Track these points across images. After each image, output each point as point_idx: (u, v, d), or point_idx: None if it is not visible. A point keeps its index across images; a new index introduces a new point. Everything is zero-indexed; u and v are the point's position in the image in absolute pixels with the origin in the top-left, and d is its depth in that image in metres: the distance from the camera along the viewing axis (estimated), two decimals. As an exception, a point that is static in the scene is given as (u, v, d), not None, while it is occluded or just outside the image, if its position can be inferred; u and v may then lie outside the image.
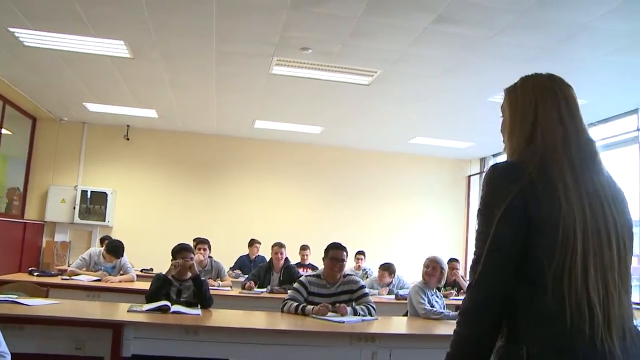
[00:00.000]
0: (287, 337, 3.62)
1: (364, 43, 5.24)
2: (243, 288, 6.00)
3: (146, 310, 3.74)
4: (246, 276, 6.68)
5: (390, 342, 3.60)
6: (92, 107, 8.47)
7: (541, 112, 1.48)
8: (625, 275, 1.35)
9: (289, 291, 4.57)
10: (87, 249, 6.43)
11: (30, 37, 5.54)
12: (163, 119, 9.05)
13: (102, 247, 6.27)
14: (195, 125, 9.51)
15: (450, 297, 6.37)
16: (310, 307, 4.11)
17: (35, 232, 9.33)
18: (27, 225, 9.08)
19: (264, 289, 6.02)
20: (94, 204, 9.39)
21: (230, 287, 6.12)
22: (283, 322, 3.96)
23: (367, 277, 7.43)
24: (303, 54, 5.63)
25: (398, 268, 7.06)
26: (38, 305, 3.68)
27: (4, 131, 8.30)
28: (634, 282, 3.82)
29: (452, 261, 6.99)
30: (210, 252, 6.29)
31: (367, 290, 4.52)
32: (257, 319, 4.16)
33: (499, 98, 6.65)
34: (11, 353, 2.42)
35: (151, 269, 7.25)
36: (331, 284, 4.37)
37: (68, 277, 5.72)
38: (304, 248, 8.05)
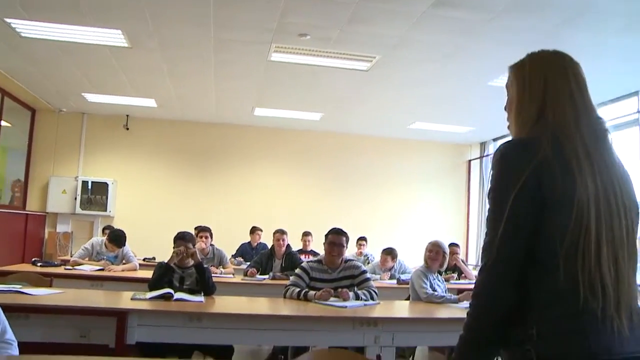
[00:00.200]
0: (290, 322, 3.65)
1: (363, 28, 5.21)
2: (245, 275, 6.03)
3: (149, 298, 3.76)
4: (248, 263, 6.71)
5: (393, 326, 3.62)
6: (91, 97, 8.45)
7: (551, 88, 1.44)
8: (633, 254, 1.34)
9: (291, 277, 4.59)
10: (89, 239, 6.44)
11: (26, 27, 5.51)
12: (162, 108, 9.03)
13: (104, 236, 6.29)
14: (195, 113, 9.50)
15: (452, 281, 6.40)
16: (312, 292, 4.12)
17: (37, 223, 9.36)
18: (28, 217, 9.12)
19: (266, 276, 6.04)
20: (95, 194, 9.42)
21: (233, 274, 6.15)
22: (286, 308, 3.98)
23: (368, 263, 7.46)
24: (301, 40, 5.61)
25: (399, 253, 7.09)
26: (42, 294, 3.70)
27: (3, 123, 8.29)
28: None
29: (453, 246, 7.01)
30: (212, 240, 6.31)
31: (368, 275, 4.55)
32: (260, 305, 4.18)
33: (499, 82, 6.63)
34: (17, 341, 2.45)
35: (153, 258, 7.27)
36: (333, 269, 4.39)
37: (71, 267, 5.74)
38: (306, 234, 8.07)
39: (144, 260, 7.12)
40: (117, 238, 6.01)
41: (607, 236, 1.28)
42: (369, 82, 6.98)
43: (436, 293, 4.45)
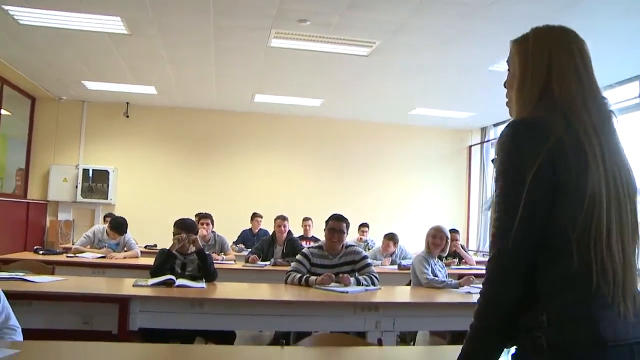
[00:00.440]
0: (291, 307, 3.67)
1: (363, 14, 5.18)
2: (247, 261, 6.05)
3: (151, 285, 3.78)
4: (249, 250, 6.74)
5: (394, 311, 3.64)
6: (91, 85, 8.43)
7: (556, 62, 1.39)
8: (635, 239, 1.33)
9: (292, 263, 4.60)
10: (91, 227, 6.47)
11: (25, 15, 5.48)
12: (162, 95, 9.01)
13: (105, 224, 6.31)
14: (195, 101, 9.48)
15: (452, 266, 6.43)
16: (313, 277, 4.14)
17: (39, 212, 9.39)
18: (30, 205, 9.14)
19: (268, 262, 6.06)
20: (96, 182, 9.44)
21: (234, 260, 6.17)
22: (287, 293, 4.00)
23: (369, 249, 7.48)
24: (301, 26, 5.58)
25: (400, 239, 7.11)
26: (45, 282, 3.73)
27: (3, 112, 8.28)
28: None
29: (452, 232, 7.01)
30: (213, 227, 6.33)
31: (369, 260, 4.56)
32: (261, 291, 4.20)
33: (500, 67, 6.59)
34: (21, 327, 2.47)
35: (155, 245, 7.30)
36: (333, 255, 4.40)
37: (73, 255, 5.77)
38: (306, 219, 8.10)
39: (145, 247, 7.16)
40: (118, 225, 6.03)
41: (617, 223, 1.26)
42: (369, 68, 6.96)
43: (437, 278, 4.47)
